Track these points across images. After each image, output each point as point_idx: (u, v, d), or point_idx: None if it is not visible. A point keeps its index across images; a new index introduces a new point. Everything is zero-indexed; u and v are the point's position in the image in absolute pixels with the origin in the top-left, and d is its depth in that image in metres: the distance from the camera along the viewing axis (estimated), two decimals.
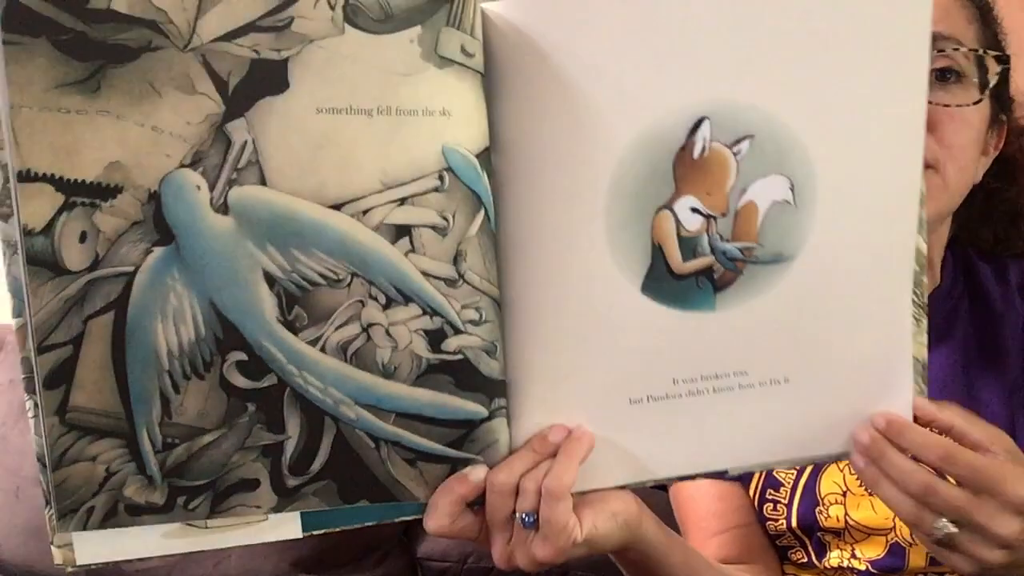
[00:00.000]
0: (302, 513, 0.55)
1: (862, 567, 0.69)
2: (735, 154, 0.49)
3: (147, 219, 0.43)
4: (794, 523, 0.71)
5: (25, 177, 0.40)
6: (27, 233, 0.41)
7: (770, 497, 0.73)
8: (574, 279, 0.52)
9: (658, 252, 0.51)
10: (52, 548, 0.50)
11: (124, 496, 0.48)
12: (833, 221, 0.50)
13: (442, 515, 0.53)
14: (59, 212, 0.41)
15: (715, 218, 0.50)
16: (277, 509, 0.52)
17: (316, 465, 0.51)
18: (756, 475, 0.73)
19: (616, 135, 0.49)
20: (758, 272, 0.51)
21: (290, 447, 0.51)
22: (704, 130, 0.49)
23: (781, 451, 0.54)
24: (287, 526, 0.55)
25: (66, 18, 0.39)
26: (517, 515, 0.53)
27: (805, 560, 0.73)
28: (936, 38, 0.63)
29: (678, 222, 0.50)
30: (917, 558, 0.68)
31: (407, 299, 0.50)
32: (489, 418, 0.53)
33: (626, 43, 0.48)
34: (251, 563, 1.15)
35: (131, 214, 0.42)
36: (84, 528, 0.48)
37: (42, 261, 0.42)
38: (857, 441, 0.52)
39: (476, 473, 0.53)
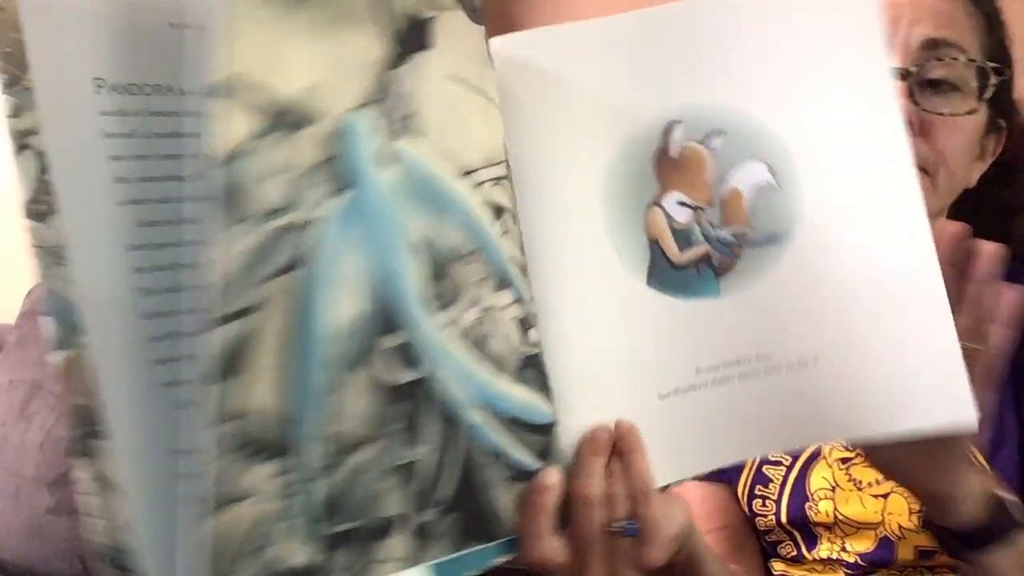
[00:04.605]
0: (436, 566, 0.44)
1: (851, 560, 0.71)
2: (710, 149, 0.54)
3: (329, 161, 0.37)
4: (783, 518, 0.72)
5: (222, 90, 0.33)
6: (217, 159, 0.32)
7: (759, 493, 0.74)
8: (583, 282, 0.53)
9: (655, 246, 0.53)
10: None
11: (277, 558, 0.35)
12: (823, 197, 0.53)
13: (546, 538, 0.47)
14: (253, 137, 0.33)
15: (702, 209, 0.54)
16: (412, 561, 0.42)
17: (442, 493, 0.43)
18: (745, 472, 0.75)
19: (601, 146, 0.53)
20: (756, 254, 0.53)
21: (424, 468, 0.42)
22: (677, 133, 0.54)
23: (829, 431, 0.53)
24: None
25: None
26: (617, 527, 0.49)
27: (794, 554, 0.74)
28: (939, 44, 0.66)
29: (669, 216, 0.54)
30: (906, 552, 0.69)
31: (505, 284, 0.48)
32: (556, 422, 0.50)
33: (600, 66, 0.54)
34: None
35: (316, 152, 0.36)
36: None
37: (231, 197, 0.33)
38: None
39: (552, 476, 0.48)
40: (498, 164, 0.48)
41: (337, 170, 0.37)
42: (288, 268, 0.35)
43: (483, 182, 0.46)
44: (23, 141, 0.38)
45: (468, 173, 0.45)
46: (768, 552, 0.76)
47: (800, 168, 0.53)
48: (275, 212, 0.34)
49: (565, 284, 0.52)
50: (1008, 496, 0.57)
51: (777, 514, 0.72)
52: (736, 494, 0.76)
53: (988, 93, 0.66)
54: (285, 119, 0.35)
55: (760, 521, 0.74)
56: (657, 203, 0.54)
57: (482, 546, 0.46)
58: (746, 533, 0.75)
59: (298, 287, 0.35)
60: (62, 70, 0.40)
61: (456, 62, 0.44)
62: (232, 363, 0.33)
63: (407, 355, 0.41)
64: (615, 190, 0.53)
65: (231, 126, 0.33)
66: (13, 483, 1.21)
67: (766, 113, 0.54)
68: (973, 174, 0.72)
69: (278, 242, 0.35)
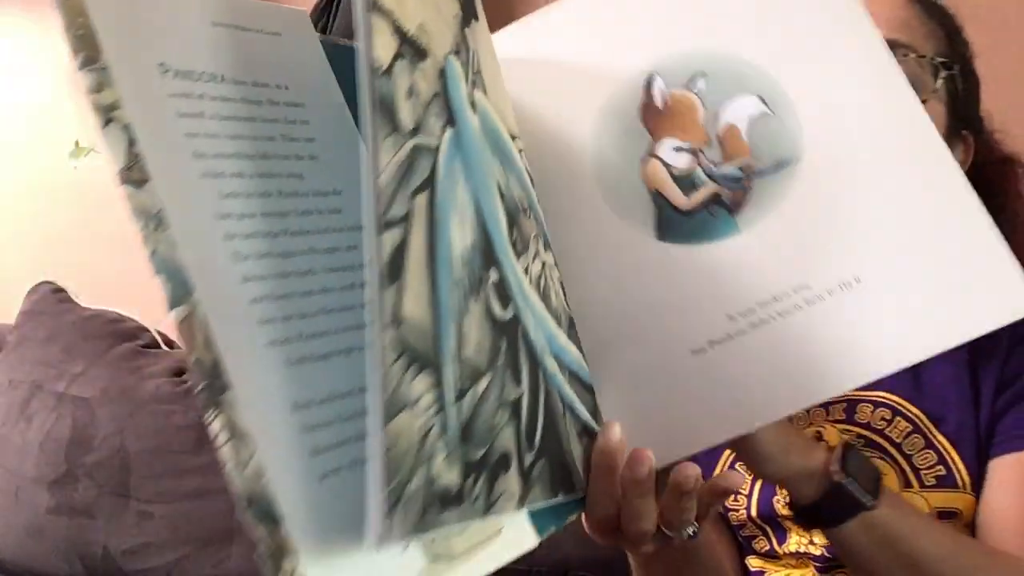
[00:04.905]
0: (530, 514, 0.45)
1: (819, 552, 0.71)
2: (695, 92, 0.52)
3: (437, 96, 0.39)
4: (754, 512, 0.73)
5: (373, 6, 0.35)
6: (374, 71, 0.34)
7: None
8: (590, 250, 0.52)
9: (659, 197, 0.52)
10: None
11: (434, 474, 0.35)
12: (821, 115, 0.51)
13: (609, 502, 0.48)
14: (395, 57, 0.35)
15: (701, 150, 0.52)
16: (521, 501, 0.42)
17: (537, 436, 0.44)
18: (719, 467, 0.75)
19: (582, 114, 0.53)
20: (767, 183, 0.51)
21: (524, 407, 0.43)
22: (657, 84, 0.53)
23: (890, 359, 0.49)
24: (521, 534, 0.44)
25: None
26: (683, 532, 0.50)
27: (767, 548, 0.75)
28: (894, 45, 0.64)
29: (667, 164, 0.52)
30: None
31: (548, 245, 0.50)
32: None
33: (567, 41, 0.54)
34: (250, 564, 1.07)
35: (431, 86, 0.38)
36: (402, 533, 0.34)
37: (385, 109, 0.35)
38: None
39: (614, 438, 0.48)
40: (519, 138, 0.51)
41: (444, 105, 0.40)
42: (423, 188, 0.37)
43: (521, 150, 0.50)
44: (108, 115, 0.38)
45: (513, 137, 0.48)
46: (744, 547, 0.77)
47: (790, 92, 0.52)
48: (412, 132, 0.36)
49: (569, 255, 0.52)
50: (844, 480, 0.55)
51: (748, 508, 0.74)
52: None
53: (939, 83, 0.70)
54: (409, 49, 0.37)
55: (732, 516, 0.75)
56: (652, 154, 0.53)
57: (564, 499, 0.47)
58: (720, 529, 0.77)
59: (430, 207, 0.37)
60: (131, 53, 0.41)
61: (489, 37, 0.48)
62: (393, 268, 0.34)
63: (502, 293, 0.42)
64: (604, 154, 0.53)
65: (380, 41, 0.35)
66: (13, 483, 1.21)
67: (738, 48, 0.52)
68: None
69: (415, 161, 0.36)
